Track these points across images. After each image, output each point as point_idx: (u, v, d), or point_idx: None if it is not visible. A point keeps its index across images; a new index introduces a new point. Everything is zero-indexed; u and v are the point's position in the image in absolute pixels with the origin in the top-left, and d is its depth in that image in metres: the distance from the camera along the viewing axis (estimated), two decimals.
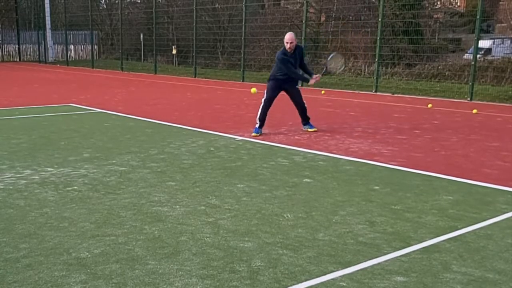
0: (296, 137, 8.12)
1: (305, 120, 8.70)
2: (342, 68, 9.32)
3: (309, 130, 8.60)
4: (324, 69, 8.88)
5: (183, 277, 3.24)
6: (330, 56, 8.87)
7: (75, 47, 32.95)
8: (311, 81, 8.56)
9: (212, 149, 7.13)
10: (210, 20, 27.70)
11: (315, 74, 8.72)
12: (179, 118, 9.89)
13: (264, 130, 8.53)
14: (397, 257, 3.57)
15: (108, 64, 27.98)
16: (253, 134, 8.23)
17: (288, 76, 8.34)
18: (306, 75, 8.69)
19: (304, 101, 8.63)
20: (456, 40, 21.18)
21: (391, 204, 4.74)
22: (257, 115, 8.46)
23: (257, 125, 8.39)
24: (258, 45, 24.45)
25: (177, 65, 26.59)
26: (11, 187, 5.14)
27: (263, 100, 8.48)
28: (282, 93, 8.58)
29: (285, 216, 4.39)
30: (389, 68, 19.00)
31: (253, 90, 9.94)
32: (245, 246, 3.73)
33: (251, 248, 3.68)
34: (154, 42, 23.81)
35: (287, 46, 8.23)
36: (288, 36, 8.24)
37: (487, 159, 6.70)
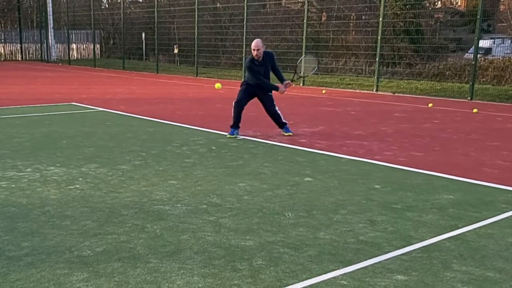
0: (297, 136, 8.13)
1: (281, 126, 8.30)
2: (314, 70, 8.98)
3: (285, 134, 8.17)
4: (294, 73, 8.59)
5: (185, 275, 3.25)
6: (300, 59, 8.57)
7: (77, 46, 32.99)
8: (281, 88, 8.11)
9: (213, 148, 7.15)
10: (212, 19, 27.70)
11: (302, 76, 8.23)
12: (181, 117, 9.91)
13: (266, 129, 8.54)
14: (397, 256, 3.59)
15: (110, 63, 28.00)
16: (228, 135, 7.97)
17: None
18: (276, 84, 8.17)
19: (277, 108, 8.18)
20: (457, 39, 21.13)
21: (391, 203, 4.76)
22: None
23: (232, 127, 8.09)
24: None
25: (178, 64, 26.59)
26: (13, 186, 5.16)
27: (234, 102, 8.17)
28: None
29: (286, 215, 4.41)
30: (390, 68, 19.00)
31: (218, 85, 9.77)
32: (246, 244, 3.74)
33: (252, 247, 3.70)
34: (156, 41, 23.84)
35: (254, 53, 7.81)
36: (254, 43, 7.82)
37: (487, 159, 6.71)
